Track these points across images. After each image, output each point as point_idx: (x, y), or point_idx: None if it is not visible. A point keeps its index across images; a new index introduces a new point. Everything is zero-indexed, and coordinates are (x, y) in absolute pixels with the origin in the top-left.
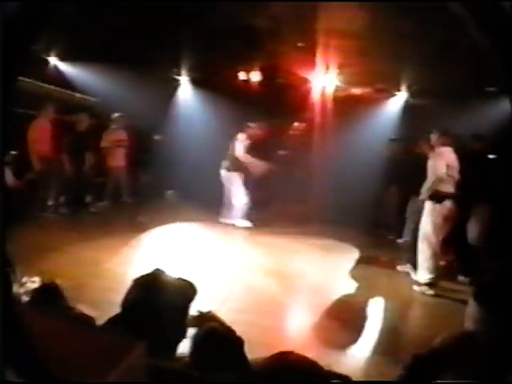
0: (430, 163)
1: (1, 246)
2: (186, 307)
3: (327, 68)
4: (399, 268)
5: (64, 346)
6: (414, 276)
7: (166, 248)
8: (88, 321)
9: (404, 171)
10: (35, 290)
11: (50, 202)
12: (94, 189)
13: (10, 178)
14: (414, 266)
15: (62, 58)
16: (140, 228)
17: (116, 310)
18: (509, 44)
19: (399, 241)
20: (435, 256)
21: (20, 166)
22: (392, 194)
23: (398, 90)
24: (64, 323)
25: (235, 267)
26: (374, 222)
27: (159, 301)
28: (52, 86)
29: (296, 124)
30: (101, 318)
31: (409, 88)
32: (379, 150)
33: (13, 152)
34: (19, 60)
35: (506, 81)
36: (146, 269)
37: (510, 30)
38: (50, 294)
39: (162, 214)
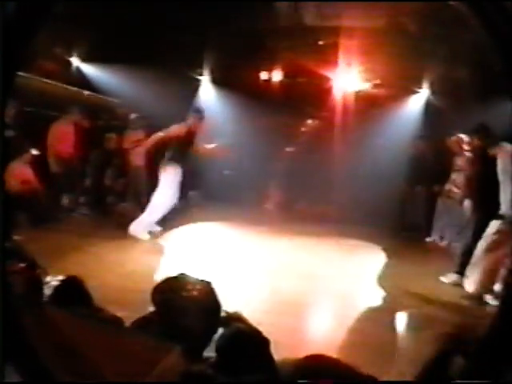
0: (501, 166)
1: (1, 246)
2: (210, 310)
3: (349, 66)
4: (445, 279)
5: (98, 348)
6: (467, 287)
7: (189, 249)
8: (118, 322)
9: (430, 170)
10: (59, 285)
11: (72, 203)
12: (116, 190)
13: (31, 177)
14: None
15: (85, 59)
16: (162, 228)
17: (141, 311)
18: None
19: (428, 239)
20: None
21: (42, 167)
22: (418, 192)
23: (420, 88)
24: (96, 325)
25: (259, 268)
26: (400, 222)
27: (184, 304)
28: (75, 88)
29: (309, 121)
30: (127, 320)
31: (431, 86)
32: (403, 149)
33: (35, 152)
34: (19, 59)
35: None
36: (169, 270)
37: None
38: (74, 288)
39: (186, 215)
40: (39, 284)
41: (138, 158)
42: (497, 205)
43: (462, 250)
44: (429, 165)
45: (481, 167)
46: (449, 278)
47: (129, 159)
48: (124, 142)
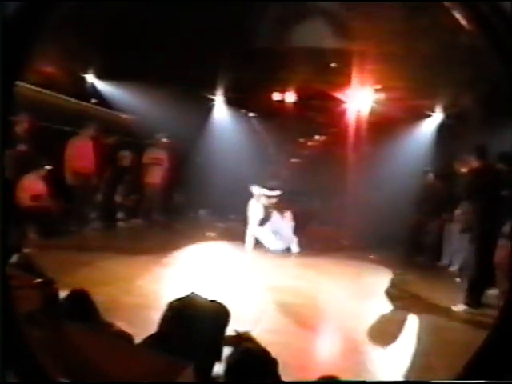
0: None
1: (1, 247)
2: (220, 330)
3: (361, 88)
4: (455, 309)
5: (112, 363)
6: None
7: (198, 267)
8: (128, 339)
9: (440, 195)
10: (66, 298)
11: (83, 217)
12: (127, 206)
13: (43, 191)
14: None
15: (100, 76)
16: (172, 246)
17: (150, 327)
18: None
19: (439, 264)
20: None
21: (55, 181)
22: (428, 217)
23: (433, 111)
24: (107, 341)
25: (268, 288)
26: (411, 246)
27: (194, 324)
28: (89, 104)
29: (317, 137)
30: (136, 336)
31: (444, 109)
32: (414, 172)
33: (48, 167)
34: (19, 61)
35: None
36: (177, 287)
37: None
38: (81, 303)
39: (195, 233)
40: (55, 299)
41: (155, 175)
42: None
43: (468, 283)
44: (439, 190)
45: (479, 188)
46: (458, 308)
47: (144, 176)
48: (144, 158)
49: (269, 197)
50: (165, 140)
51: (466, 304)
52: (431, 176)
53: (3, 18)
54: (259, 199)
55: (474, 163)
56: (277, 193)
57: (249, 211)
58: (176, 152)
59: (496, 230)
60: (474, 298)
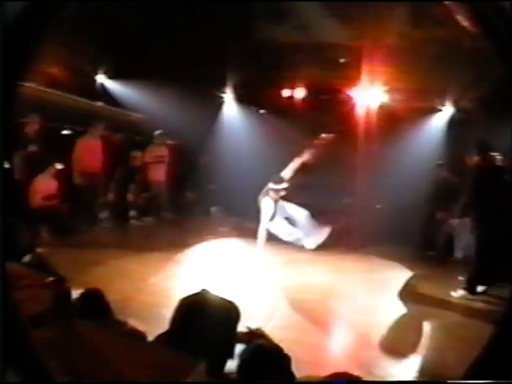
0: None
1: (1, 245)
2: (231, 327)
3: (371, 84)
4: (454, 294)
5: (126, 361)
6: None
7: (209, 264)
8: (141, 336)
9: (451, 189)
10: (79, 297)
11: (94, 217)
12: (139, 204)
13: (55, 191)
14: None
15: (109, 76)
16: (183, 243)
17: (162, 325)
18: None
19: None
20: None
21: (66, 180)
22: (440, 211)
23: (443, 106)
24: (120, 339)
25: (280, 284)
26: (424, 241)
27: (206, 321)
28: (98, 103)
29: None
30: (149, 334)
31: (454, 104)
32: (425, 167)
33: (59, 166)
34: (20, 61)
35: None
36: (190, 285)
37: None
38: (94, 301)
39: (206, 230)
40: (68, 298)
41: (159, 173)
42: (497, 221)
43: (469, 272)
44: (451, 185)
45: (479, 183)
46: (458, 294)
47: (149, 173)
48: (145, 156)
49: (276, 190)
50: (163, 135)
51: (464, 289)
52: (443, 170)
53: (9, 18)
54: (268, 194)
55: (476, 158)
56: (284, 186)
57: (259, 207)
58: (179, 148)
59: (496, 221)
60: (473, 285)
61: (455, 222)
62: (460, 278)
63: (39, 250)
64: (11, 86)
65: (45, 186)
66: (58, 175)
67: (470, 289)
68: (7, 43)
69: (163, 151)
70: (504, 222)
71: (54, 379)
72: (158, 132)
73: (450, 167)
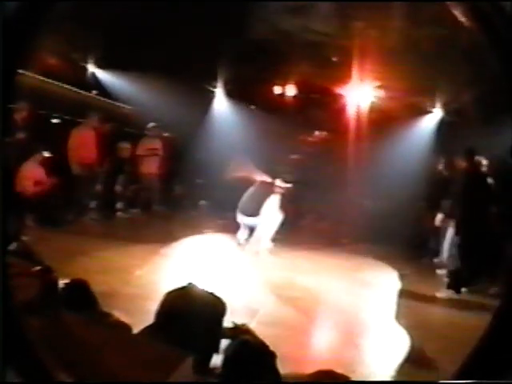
0: None
1: (1, 245)
2: (217, 322)
3: (361, 83)
4: (438, 294)
5: (112, 353)
6: None
7: (195, 258)
8: (126, 329)
9: (438, 194)
10: (65, 288)
11: (83, 207)
12: (127, 196)
13: (43, 178)
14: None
15: (100, 66)
16: (170, 237)
17: (147, 318)
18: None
19: (435, 260)
20: None
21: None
22: (423, 212)
23: (433, 107)
24: (105, 330)
25: (265, 280)
26: (410, 241)
27: (191, 315)
28: (90, 93)
29: (317, 133)
30: (134, 326)
31: (444, 106)
32: (413, 167)
33: (46, 154)
34: (19, 58)
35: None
36: (175, 278)
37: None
38: (79, 292)
39: (194, 224)
40: (55, 287)
41: (152, 165)
42: (480, 225)
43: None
44: (439, 186)
45: (465, 187)
46: (442, 293)
47: (141, 166)
48: (138, 149)
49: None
50: (157, 129)
51: (449, 289)
52: (433, 171)
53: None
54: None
55: (463, 164)
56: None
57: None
58: (172, 141)
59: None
60: (457, 284)
61: (442, 221)
62: (444, 277)
63: (25, 238)
64: (9, 75)
65: (32, 172)
66: (45, 162)
67: (455, 288)
68: (5, 34)
69: (157, 144)
70: (488, 225)
71: (50, 373)
72: (151, 125)
73: (440, 167)
